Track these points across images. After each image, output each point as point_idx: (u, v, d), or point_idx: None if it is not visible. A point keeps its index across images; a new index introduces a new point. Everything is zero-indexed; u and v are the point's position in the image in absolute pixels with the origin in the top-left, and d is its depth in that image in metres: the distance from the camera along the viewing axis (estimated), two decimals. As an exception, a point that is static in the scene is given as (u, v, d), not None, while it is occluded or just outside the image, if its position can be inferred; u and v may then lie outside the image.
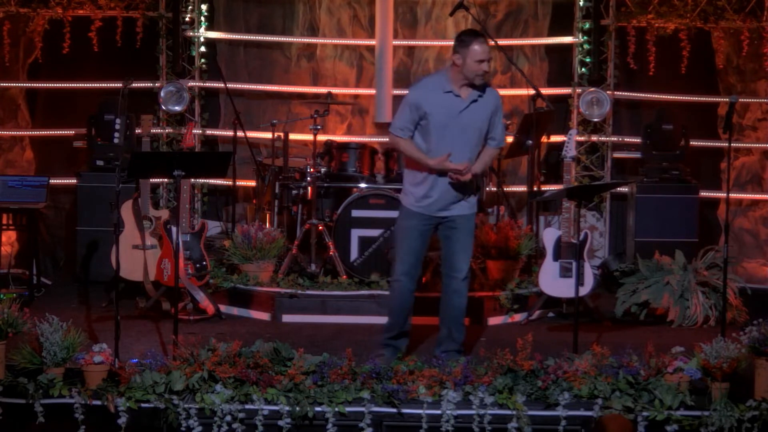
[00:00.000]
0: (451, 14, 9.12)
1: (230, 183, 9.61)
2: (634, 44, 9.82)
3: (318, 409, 6.13)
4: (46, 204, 9.15)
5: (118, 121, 8.19)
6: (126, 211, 8.23)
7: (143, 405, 6.16)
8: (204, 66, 10.10)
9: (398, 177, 8.35)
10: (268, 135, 9.39)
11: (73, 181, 9.44)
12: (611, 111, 9.87)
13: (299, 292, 8.25)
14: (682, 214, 9.40)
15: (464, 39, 6.74)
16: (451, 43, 6.93)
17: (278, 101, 10.28)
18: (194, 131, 9.34)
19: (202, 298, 8.15)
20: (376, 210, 8.43)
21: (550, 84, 10.16)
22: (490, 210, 9.48)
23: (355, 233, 8.47)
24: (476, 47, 6.67)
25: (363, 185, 8.73)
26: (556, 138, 9.62)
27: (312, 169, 8.68)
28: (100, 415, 6.16)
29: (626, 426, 6.09)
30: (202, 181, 10.05)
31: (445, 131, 6.73)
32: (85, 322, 7.85)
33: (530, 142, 8.50)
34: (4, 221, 9.12)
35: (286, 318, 8.23)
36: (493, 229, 8.63)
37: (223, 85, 9.51)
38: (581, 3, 9.90)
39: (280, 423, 6.12)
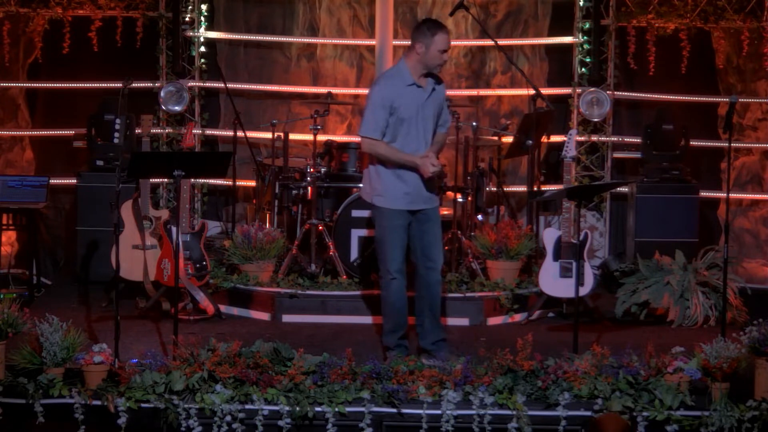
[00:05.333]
0: (451, 14, 9.12)
1: (230, 183, 9.61)
2: (634, 44, 9.82)
3: (318, 409, 6.13)
4: (46, 204, 9.15)
5: (118, 121, 8.19)
6: (126, 211, 8.23)
7: (143, 405, 6.16)
8: (204, 66, 10.10)
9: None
10: (268, 135, 9.39)
11: (73, 181, 9.43)
12: (611, 111, 9.87)
13: (299, 292, 8.25)
14: (682, 214, 9.39)
15: (428, 28, 6.83)
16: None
17: (278, 101, 10.29)
18: (194, 131, 9.34)
19: (202, 298, 8.15)
20: (376, 210, 8.42)
21: (550, 84, 10.16)
22: (490, 210, 9.48)
23: (355, 233, 8.47)
24: (440, 37, 6.79)
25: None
26: (556, 138, 9.62)
27: (312, 169, 8.68)
28: (100, 415, 6.16)
29: (623, 426, 6.08)
30: (202, 181, 10.06)
31: (410, 123, 6.81)
32: (85, 322, 7.85)
33: (530, 142, 8.50)
34: (4, 221, 9.13)
35: (286, 318, 8.23)
36: (493, 229, 8.63)
37: (223, 85, 9.50)
38: (581, 3, 9.90)
39: (280, 423, 6.12)
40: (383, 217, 6.92)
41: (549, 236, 8.10)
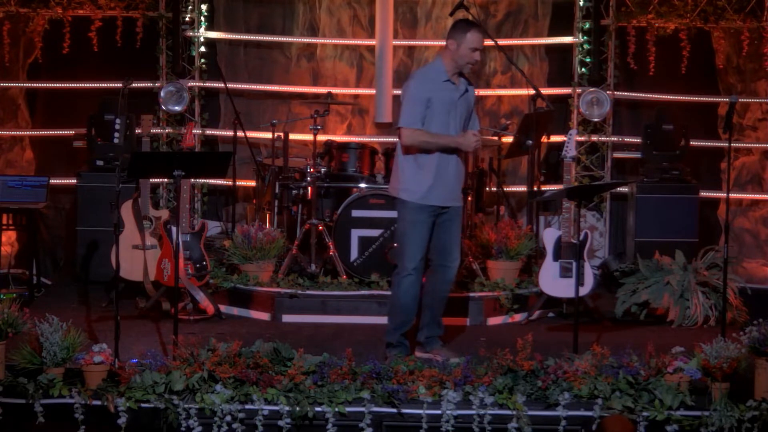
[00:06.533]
0: (451, 14, 9.12)
1: (230, 183, 9.61)
2: (634, 44, 9.82)
3: (318, 409, 6.13)
4: (46, 204, 9.15)
5: (118, 121, 8.19)
6: (126, 211, 8.23)
7: (143, 405, 6.16)
8: (204, 66, 10.10)
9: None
10: (268, 135, 9.39)
11: (73, 181, 9.43)
12: (611, 111, 9.87)
13: (299, 292, 8.25)
14: (682, 214, 9.39)
15: (461, 26, 6.92)
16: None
17: (278, 101, 10.29)
18: (194, 131, 9.34)
19: (202, 298, 8.15)
20: (376, 210, 8.43)
21: (550, 84, 10.16)
22: (490, 210, 9.47)
23: (355, 233, 8.47)
24: (472, 35, 6.86)
25: (363, 185, 8.73)
26: (556, 138, 9.61)
27: (312, 169, 8.67)
28: (100, 415, 6.16)
29: (629, 427, 6.08)
30: (202, 181, 10.06)
31: (442, 119, 6.84)
32: (85, 322, 7.84)
33: (530, 142, 8.49)
34: (4, 221, 9.12)
35: (286, 318, 8.23)
36: (493, 229, 8.63)
37: (223, 85, 9.51)
38: (581, 3, 9.90)
39: (280, 423, 6.12)
40: (407, 211, 6.93)
41: (549, 236, 8.10)
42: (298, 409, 6.11)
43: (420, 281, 6.95)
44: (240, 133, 9.39)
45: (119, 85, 7.38)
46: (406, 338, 7.02)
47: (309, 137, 8.90)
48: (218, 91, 10.17)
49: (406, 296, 6.94)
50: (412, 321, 7.02)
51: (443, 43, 9.91)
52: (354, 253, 8.47)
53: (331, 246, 8.48)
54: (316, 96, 9.94)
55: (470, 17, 9.14)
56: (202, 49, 10.07)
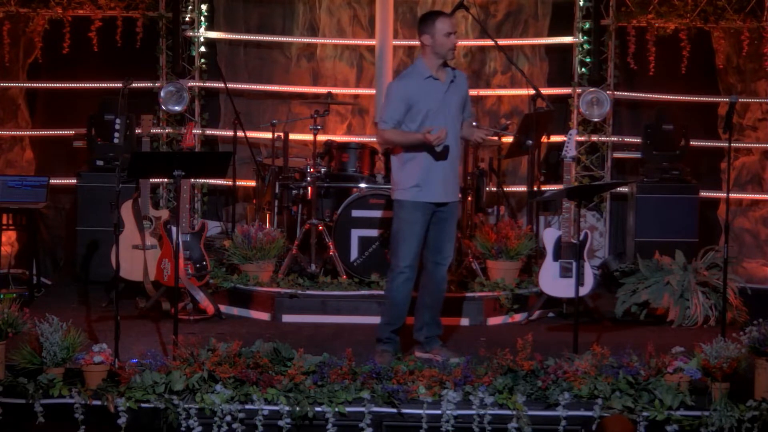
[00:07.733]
0: (451, 14, 9.09)
1: (230, 183, 9.61)
2: (634, 44, 9.83)
3: (318, 409, 6.13)
4: (46, 204, 9.16)
5: (118, 121, 8.19)
6: (126, 211, 8.23)
7: (143, 405, 6.16)
8: (204, 66, 10.10)
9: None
10: (268, 135, 9.40)
11: (73, 181, 9.43)
12: (611, 111, 9.88)
13: (299, 292, 8.25)
14: (682, 214, 9.39)
15: (428, 19, 6.90)
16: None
17: (278, 101, 10.29)
18: (194, 131, 9.34)
19: (202, 298, 8.15)
20: (376, 210, 8.43)
21: (550, 84, 10.17)
22: (490, 210, 9.47)
23: (355, 233, 8.47)
24: (441, 22, 6.85)
25: (363, 185, 8.72)
26: (556, 138, 9.62)
27: (312, 169, 8.68)
28: (100, 415, 6.16)
29: (629, 427, 6.08)
30: (202, 181, 10.06)
31: (434, 116, 6.82)
32: (85, 322, 7.84)
33: (530, 142, 8.49)
34: (4, 221, 9.12)
35: (286, 318, 8.23)
36: (493, 229, 8.63)
37: (223, 85, 9.51)
38: (581, 3, 9.90)
39: (280, 423, 6.12)
40: (402, 209, 6.93)
41: (549, 236, 8.10)
42: (298, 409, 6.11)
43: (413, 279, 6.96)
44: (240, 133, 9.40)
45: (119, 85, 7.38)
46: (396, 335, 7.02)
47: (309, 137, 8.90)
48: (218, 91, 10.17)
49: (399, 294, 6.95)
50: (404, 318, 7.02)
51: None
52: (354, 253, 8.47)
53: (331, 246, 8.48)
54: (316, 96, 9.94)
55: (470, 17, 9.16)
56: (202, 49, 10.07)
